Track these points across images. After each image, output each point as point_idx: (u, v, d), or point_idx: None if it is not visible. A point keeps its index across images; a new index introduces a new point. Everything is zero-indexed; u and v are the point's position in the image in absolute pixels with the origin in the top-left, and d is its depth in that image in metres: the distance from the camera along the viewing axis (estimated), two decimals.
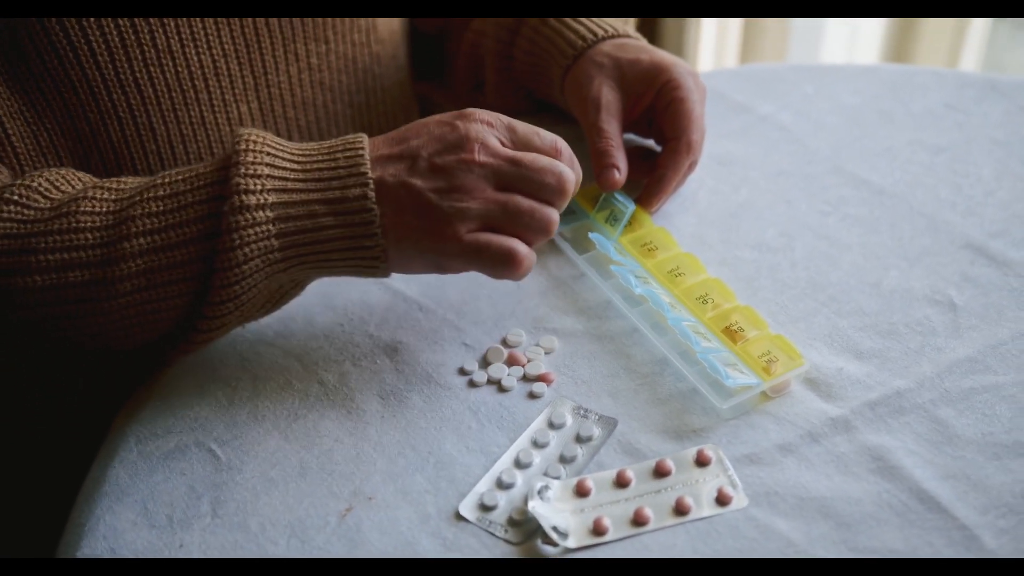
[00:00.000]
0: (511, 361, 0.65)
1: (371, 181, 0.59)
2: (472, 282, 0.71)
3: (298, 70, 0.79)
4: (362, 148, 0.61)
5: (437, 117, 0.63)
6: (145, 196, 0.60)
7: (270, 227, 0.58)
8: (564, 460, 0.60)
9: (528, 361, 0.65)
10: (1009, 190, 0.77)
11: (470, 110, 0.62)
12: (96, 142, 0.71)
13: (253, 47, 0.76)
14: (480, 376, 0.64)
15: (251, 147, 0.60)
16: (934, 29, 1.81)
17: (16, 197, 0.61)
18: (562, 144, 0.63)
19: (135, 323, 0.60)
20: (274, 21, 0.76)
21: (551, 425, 0.61)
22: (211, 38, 0.74)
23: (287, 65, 0.79)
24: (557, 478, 0.58)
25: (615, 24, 0.79)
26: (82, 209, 0.60)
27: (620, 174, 0.73)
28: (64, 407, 0.73)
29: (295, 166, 0.60)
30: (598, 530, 0.56)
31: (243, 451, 0.60)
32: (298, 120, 0.81)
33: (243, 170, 0.59)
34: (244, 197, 0.58)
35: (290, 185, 0.59)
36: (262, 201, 0.58)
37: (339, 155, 0.61)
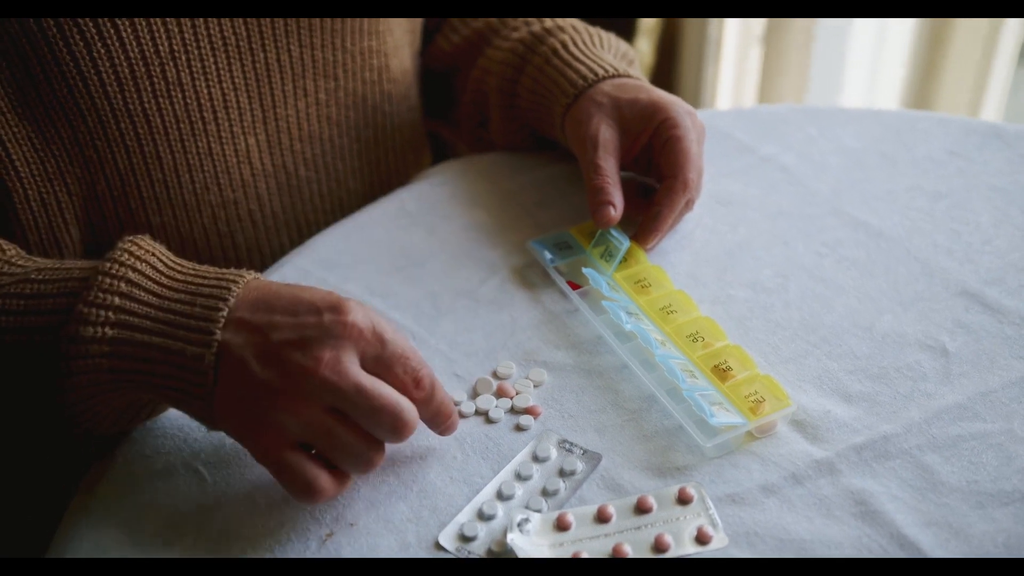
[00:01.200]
0: (500, 393, 0.66)
1: (216, 343, 0.55)
2: (467, 312, 0.72)
3: (306, 105, 0.81)
4: (225, 300, 0.57)
5: (319, 298, 0.57)
6: (12, 291, 0.58)
7: (103, 360, 0.56)
8: (546, 493, 0.60)
9: (516, 394, 0.66)
10: (1007, 238, 0.77)
11: (350, 308, 0.56)
12: (103, 170, 0.73)
13: (263, 81, 0.78)
14: (468, 407, 0.65)
15: (113, 269, 0.57)
16: (956, 76, 1.81)
17: None
18: (425, 377, 0.58)
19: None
20: (284, 56, 0.78)
21: (535, 458, 0.62)
22: (221, 71, 0.75)
23: (295, 100, 0.80)
24: (538, 511, 0.59)
25: (617, 64, 0.81)
26: None
27: (616, 211, 0.73)
28: (50, 423, 0.74)
29: (152, 299, 0.57)
30: None
31: (230, 474, 0.61)
32: (304, 153, 0.82)
33: (91, 296, 0.56)
34: (81, 328, 0.56)
35: (136, 322, 0.56)
36: (98, 334, 0.56)
37: (200, 301, 0.57)
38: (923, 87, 1.87)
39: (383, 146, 0.89)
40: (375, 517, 0.59)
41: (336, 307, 0.56)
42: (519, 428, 0.64)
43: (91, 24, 0.68)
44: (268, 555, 0.57)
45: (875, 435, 0.62)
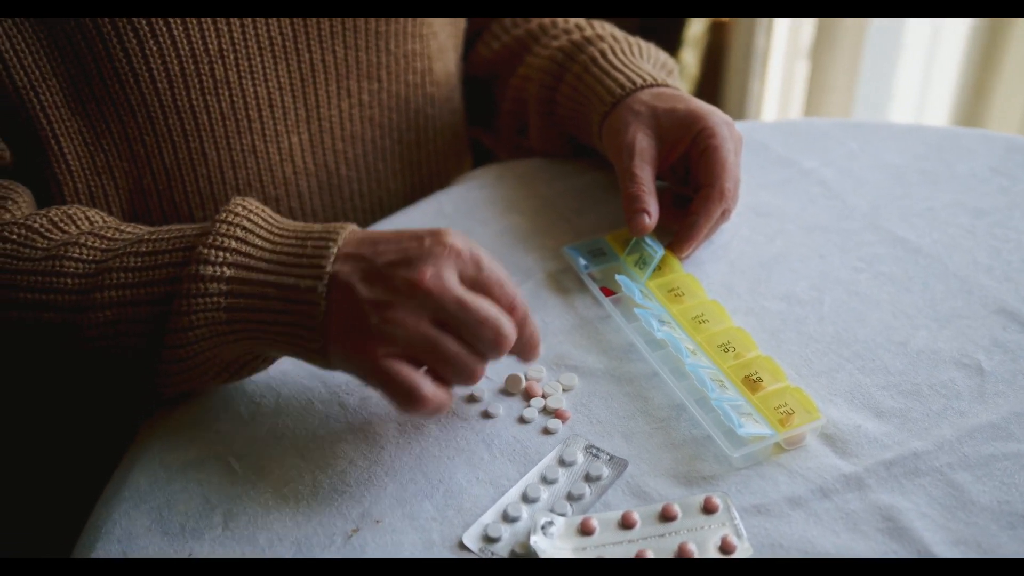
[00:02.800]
0: (528, 392, 0.66)
1: (326, 275, 0.58)
2: None
3: (349, 105, 0.82)
4: (334, 240, 0.60)
5: (417, 229, 0.61)
6: (128, 250, 0.61)
7: (220, 299, 0.59)
8: (571, 498, 0.60)
9: (547, 396, 0.66)
10: None
11: (447, 232, 0.60)
12: (150, 164, 0.74)
13: (308, 81, 0.79)
14: (495, 407, 0.65)
15: (229, 218, 0.61)
16: (1007, 93, 1.79)
17: (14, 236, 0.64)
18: (520, 302, 0.60)
19: (101, 368, 0.62)
20: (329, 57, 0.79)
21: (562, 462, 0.62)
22: (267, 70, 0.77)
23: (339, 100, 0.81)
24: (563, 515, 0.59)
25: (655, 74, 0.81)
26: (69, 255, 0.62)
27: (651, 219, 0.73)
28: (90, 412, 0.76)
29: (266, 244, 0.60)
30: None
31: (259, 466, 0.62)
32: (346, 153, 0.83)
33: (210, 240, 0.60)
34: (201, 267, 0.59)
35: (252, 263, 0.59)
36: (218, 273, 0.59)
37: (310, 242, 0.60)
38: (973, 106, 1.84)
39: (424, 149, 0.90)
40: (401, 515, 0.59)
41: (436, 232, 0.60)
42: (547, 431, 0.64)
43: (144, 23, 0.70)
44: (294, 548, 0.57)
45: (905, 451, 0.62)
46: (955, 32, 1.71)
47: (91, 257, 0.62)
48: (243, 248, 0.60)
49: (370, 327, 0.57)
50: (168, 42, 0.71)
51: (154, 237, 0.62)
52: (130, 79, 0.71)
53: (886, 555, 0.56)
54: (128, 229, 0.65)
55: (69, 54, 0.70)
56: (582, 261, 0.76)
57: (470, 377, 0.59)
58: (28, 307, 0.61)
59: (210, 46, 0.73)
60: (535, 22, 0.90)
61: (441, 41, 0.88)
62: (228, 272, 0.59)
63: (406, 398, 0.58)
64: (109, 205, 0.74)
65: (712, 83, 1.91)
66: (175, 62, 0.72)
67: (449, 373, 0.59)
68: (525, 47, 0.89)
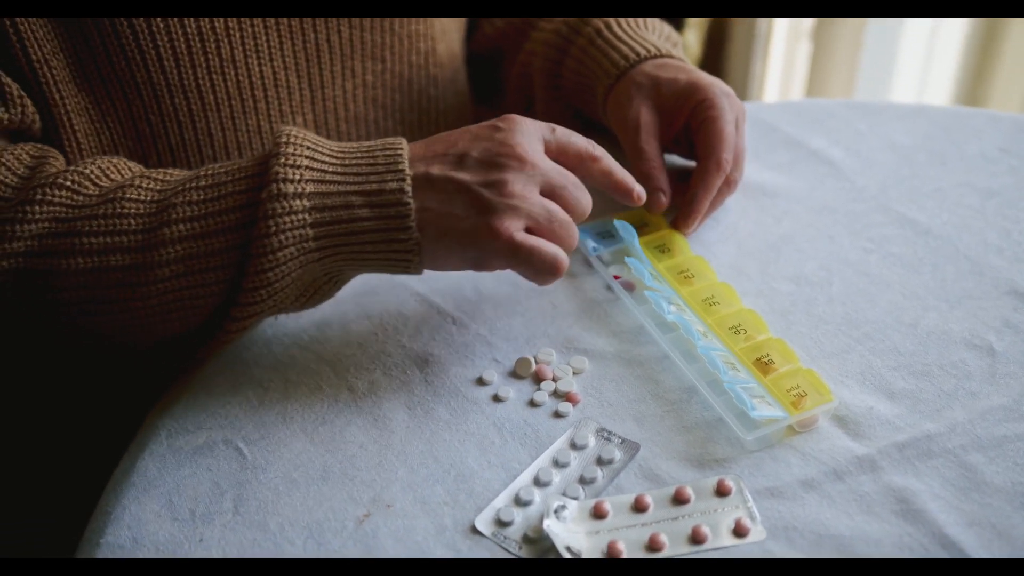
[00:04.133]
0: (539, 375, 0.66)
1: (408, 176, 0.60)
2: (508, 299, 0.72)
3: (353, 86, 0.81)
4: (400, 148, 0.62)
5: (478, 125, 0.64)
6: (188, 186, 0.61)
7: (306, 216, 0.59)
8: (584, 481, 0.60)
9: (557, 379, 0.66)
10: None
11: (512, 114, 0.64)
12: (155, 144, 0.74)
13: (312, 61, 0.78)
14: (505, 391, 0.65)
15: (292, 140, 0.61)
16: (1009, 71, 1.78)
17: (68, 183, 0.63)
18: (599, 150, 0.66)
19: (171, 309, 0.61)
20: (334, 37, 0.78)
21: (573, 446, 0.62)
22: (273, 50, 0.76)
23: (343, 80, 0.81)
24: (575, 498, 0.58)
25: (660, 44, 0.80)
26: (128, 196, 0.62)
27: (666, 197, 0.74)
28: (98, 398, 0.75)
29: (334, 160, 0.62)
30: (612, 553, 0.56)
31: (269, 451, 0.62)
32: (350, 134, 0.83)
33: (283, 160, 0.60)
34: (282, 185, 0.59)
35: (328, 177, 0.60)
36: (299, 190, 0.59)
37: (378, 152, 0.62)
38: (975, 85, 1.84)
39: (427, 130, 0.89)
40: (412, 499, 0.59)
41: (504, 117, 0.64)
42: (557, 415, 0.64)
43: None
44: (305, 533, 0.57)
45: (918, 433, 0.61)
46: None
47: (149, 197, 0.62)
48: (315, 165, 0.61)
49: (492, 206, 0.60)
50: (175, 19, 0.70)
51: (211, 172, 0.62)
52: (136, 56, 0.70)
53: (900, 537, 0.56)
54: (175, 172, 0.64)
55: (75, 30, 0.69)
56: (591, 243, 0.75)
57: (575, 241, 0.63)
58: (93, 253, 0.60)
59: (216, 24, 0.72)
60: None
61: (444, 22, 0.87)
62: (309, 188, 0.60)
63: (554, 266, 0.61)
64: None
65: (714, 64, 1.90)
66: (181, 39, 0.71)
67: (562, 238, 0.62)
68: (529, 23, 0.88)
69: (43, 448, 0.79)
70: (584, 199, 0.64)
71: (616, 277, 0.72)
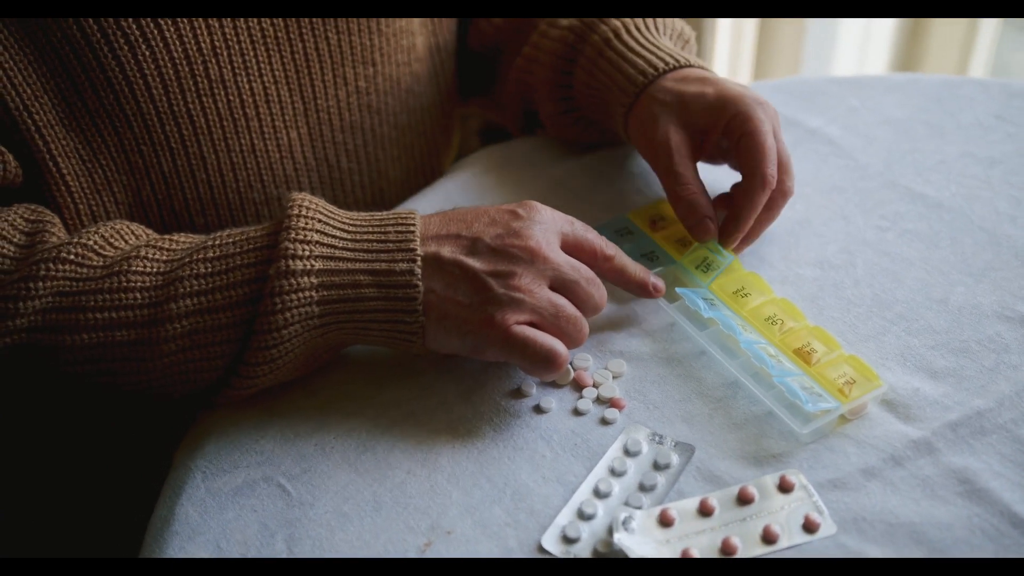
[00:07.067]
0: (579, 382, 0.64)
1: (419, 257, 0.60)
2: None
3: (346, 93, 0.78)
4: (413, 224, 0.61)
5: (497, 206, 0.63)
6: (195, 257, 0.60)
7: (313, 293, 0.58)
8: (644, 489, 0.58)
9: (598, 385, 0.64)
10: None
11: (532, 202, 0.63)
12: (149, 175, 0.71)
13: (303, 72, 0.75)
14: (547, 401, 0.63)
15: (303, 212, 0.60)
16: (943, 33, 1.81)
17: (72, 256, 0.60)
18: (614, 248, 0.66)
19: (176, 380, 0.60)
20: (323, 44, 0.75)
21: (627, 452, 0.60)
22: (262, 65, 0.73)
23: (335, 89, 0.77)
24: (639, 508, 0.57)
25: (675, 53, 0.75)
26: (133, 269, 0.60)
27: (715, 224, 0.70)
28: (116, 443, 0.72)
29: (345, 235, 0.60)
30: None
31: (313, 485, 0.59)
32: (345, 144, 0.80)
33: (293, 235, 0.59)
34: (291, 262, 0.58)
35: (338, 253, 0.59)
36: (308, 267, 0.58)
37: (390, 228, 0.61)
38: (911, 50, 1.87)
39: (415, 130, 0.86)
40: (471, 523, 0.57)
41: (524, 204, 0.64)
42: (604, 422, 0.62)
43: (134, 26, 0.66)
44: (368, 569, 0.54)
45: (968, 411, 0.61)
46: None
47: (155, 269, 0.60)
48: (326, 240, 0.59)
49: (496, 297, 0.59)
50: (160, 44, 0.67)
51: (219, 242, 0.61)
52: (124, 87, 0.67)
53: (970, 519, 0.55)
54: (181, 239, 0.63)
55: (59, 69, 0.65)
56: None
57: (583, 338, 0.62)
58: (98, 328, 0.58)
59: (203, 45, 0.69)
60: None
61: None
62: (318, 264, 0.58)
63: (548, 360, 0.60)
64: None
65: None
66: (168, 65, 0.68)
67: (568, 334, 0.61)
68: (529, 22, 0.85)
69: (65, 493, 0.75)
70: (597, 294, 0.63)
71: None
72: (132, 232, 0.64)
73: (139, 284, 0.59)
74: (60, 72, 0.65)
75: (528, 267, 0.60)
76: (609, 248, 0.65)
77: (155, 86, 0.68)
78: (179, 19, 0.68)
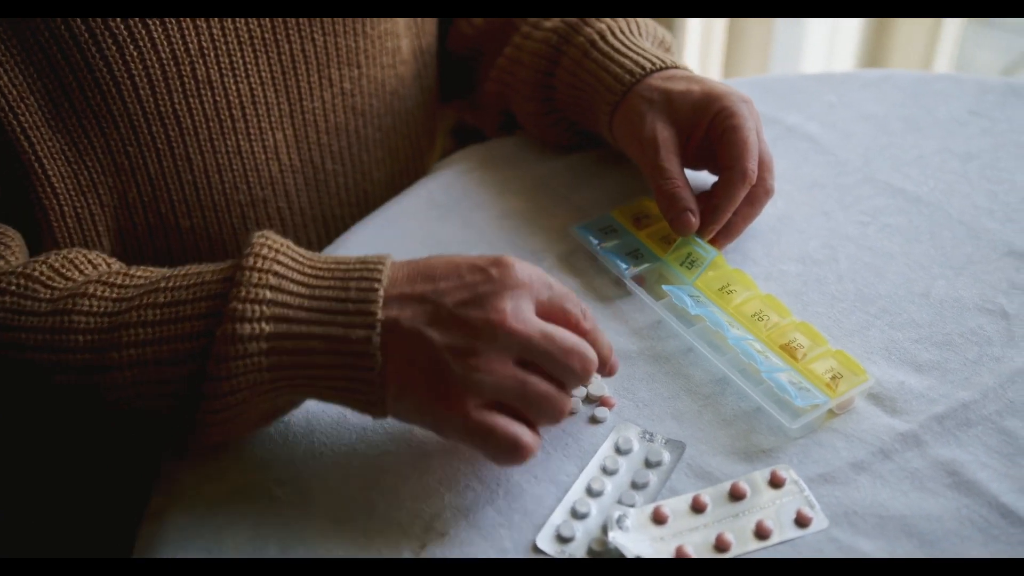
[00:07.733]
0: None
1: (379, 324, 0.53)
2: None
3: (332, 95, 0.78)
4: (379, 280, 0.55)
5: (472, 259, 0.57)
6: (144, 302, 0.56)
7: (262, 359, 0.53)
8: (636, 486, 0.58)
9: (587, 384, 0.64)
10: None
11: (512, 260, 0.56)
12: (135, 176, 0.70)
13: (289, 74, 0.75)
14: None
15: (257, 264, 0.55)
16: (909, 31, 1.83)
17: (13, 288, 0.57)
18: (590, 316, 0.58)
19: (123, 422, 0.57)
20: (309, 46, 0.75)
21: (618, 451, 0.60)
22: (249, 66, 0.72)
23: (321, 91, 0.77)
24: (632, 506, 0.57)
25: (660, 55, 0.76)
26: (78, 308, 0.56)
27: (695, 217, 0.70)
28: (106, 447, 0.70)
29: (302, 290, 0.55)
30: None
31: (305, 491, 0.58)
32: (331, 146, 0.79)
33: (243, 293, 0.53)
34: (238, 326, 0.53)
35: (291, 314, 0.54)
36: (257, 331, 0.53)
37: (352, 284, 0.55)
38: (877, 46, 1.89)
39: (400, 132, 0.86)
40: (465, 525, 0.56)
41: (498, 262, 0.56)
42: (595, 420, 0.62)
43: (122, 26, 0.65)
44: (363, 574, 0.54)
45: (954, 403, 0.62)
46: None
47: (102, 309, 0.56)
48: (280, 298, 0.54)
49: (454, 377, 0.53)
50: (148, 45, 0.66)
51: (171, 285, 0.56)
52: (111, 88, 0.66)
53: (959, 510, 0.56)
54: (138, 274, 0.59)
55: (46, 70, 0.64)
56: (594, 240, 0.73)
57: (560, 415, 0.56)
58: (39, 369, 0.55)
59: (190, 45, 0.68)
60: None
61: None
62: (267, 328, 0.53)
63: (510, 452, 0.54)
64: (95, 224, 0.69)
65: None
66: (156, 65, 0.67)
67: (540, 415, 0.55)
68: (510, 23, 0.85)
69: (53, 497, 0.74)
70: (578, 364, 0.55)
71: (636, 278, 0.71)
72: (89, 262, 0.61)
73: (83, 326, 0.55)
74: (47, 72, 0.64)
75: (490, 343, 0.53)
76: (586, 321, 0.58)
77: (142, 86, 0.67)
78: (167, 19, 0.67)
